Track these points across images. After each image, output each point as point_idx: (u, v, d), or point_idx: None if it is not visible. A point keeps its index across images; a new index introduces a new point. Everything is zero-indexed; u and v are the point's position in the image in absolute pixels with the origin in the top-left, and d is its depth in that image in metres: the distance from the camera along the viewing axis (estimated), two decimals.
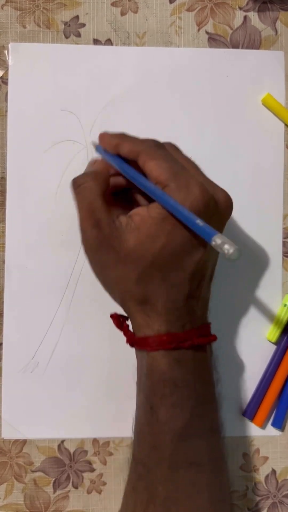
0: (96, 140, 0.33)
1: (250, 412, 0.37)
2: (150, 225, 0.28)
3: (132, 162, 0.30)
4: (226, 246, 0.24)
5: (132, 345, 0.31)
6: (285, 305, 0.38)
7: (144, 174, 0.29)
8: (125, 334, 0.31)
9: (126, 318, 0.31)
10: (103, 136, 0.32)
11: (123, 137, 0.31)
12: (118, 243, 0.28)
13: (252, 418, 0.37)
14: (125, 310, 0.31)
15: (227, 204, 0.30)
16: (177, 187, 0.27)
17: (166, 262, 0.28)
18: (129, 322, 0.31)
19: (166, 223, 0.28)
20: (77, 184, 0.30)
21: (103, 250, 0.29)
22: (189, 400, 0.29)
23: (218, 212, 0.29)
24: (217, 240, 0.25)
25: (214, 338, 0.30)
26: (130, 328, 0.31)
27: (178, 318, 0.29)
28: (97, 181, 0.30)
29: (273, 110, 0.38)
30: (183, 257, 0.28)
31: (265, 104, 0.38)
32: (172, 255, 0.28)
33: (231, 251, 0.24)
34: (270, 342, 0.38)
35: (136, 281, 0.28)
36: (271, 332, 0.38)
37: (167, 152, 0.30)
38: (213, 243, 0.25)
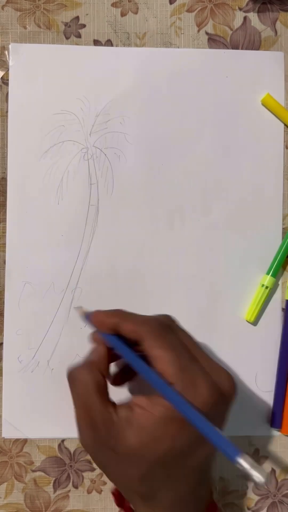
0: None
1: (277, 422, 0.37)
2: (154, 426, 0.26)
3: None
4: (255, 473, 0.22)
5: None
6: (262, 285, 0.38)
7: (145, 357, 0.28)
8: None
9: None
10: (97, 315, 0.30)
11: (121, 315, 0.29)
12: (115, 443, 0.26)
13: (280, 428, 0.37)
14: (129, 501, 0.30)
15: (232, 389, 0.28)
16: (184, 386, 0.26)
17: (171, 462, 0.27)
18: None
19: (172, 425, 0.26)
20: (72, 378, 0.29)
21: (100, 451, 0.28)
22: None
23: (225, 401, 0.28)
24: (243, 463, 0.23)
25: None
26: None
27: (184, 508, 0.28)
28: (93, 374, 0.28)
29: (272, 110, 0.38)
30: (189, 456, 0.27)
31: (264, 104, 0.38)
32: (177, 456, 0.26)
33: (260, 479, 0.22)
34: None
35: (139, 479, 0.27)
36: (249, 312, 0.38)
37: (173, 336, 0.28)
38: (239, 466, 0.23)
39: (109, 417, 0.27)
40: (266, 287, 0.37)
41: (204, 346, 0.37)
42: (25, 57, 0.38)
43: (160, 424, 0.26)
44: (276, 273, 0.38)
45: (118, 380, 0.33)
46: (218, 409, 0.27)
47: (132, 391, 0.35)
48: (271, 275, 0.38)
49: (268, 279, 0.37)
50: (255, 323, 0.38)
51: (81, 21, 0.38)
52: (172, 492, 0.27)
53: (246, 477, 0.22)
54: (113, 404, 0.28)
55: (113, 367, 0.33)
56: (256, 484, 0.22)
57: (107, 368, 0.30)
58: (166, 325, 0.29)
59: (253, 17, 0.39)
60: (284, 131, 0.39)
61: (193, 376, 0.26)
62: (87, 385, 0.28)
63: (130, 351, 0.28)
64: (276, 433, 0.38)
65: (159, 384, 0.26)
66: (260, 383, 0.38)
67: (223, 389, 0.27)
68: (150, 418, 0.26)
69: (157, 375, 0.27)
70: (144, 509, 0.28)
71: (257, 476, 0.22)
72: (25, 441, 0.37)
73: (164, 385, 0.26)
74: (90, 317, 0.31)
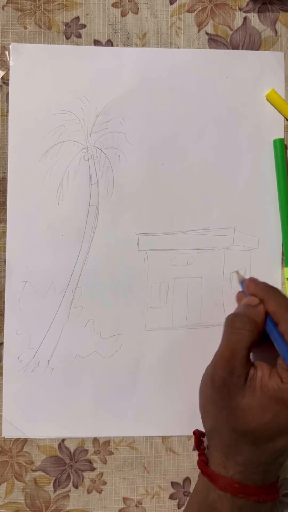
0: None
1: None
2: (264, 396, 0.29)
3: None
4: None
5: (202, 470, 0.32)
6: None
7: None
8: (199, 455, 0.33)
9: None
10: (249, 284, 0.33)
11: (268, 292, 0.32)
12: (235, 395, 0.30)
13: None
14: (208, 440, 0.32)
15: None
16: None
17: (263, 434, 0.29)
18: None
19: (279, 403, 0.29)
20: (234, 326, 0.31)
21: (220, 392, 0.30)
22: None
23: None
24: None
25: (278, 495, 0.32)
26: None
27: (253, 474, 0.30)
28: (252, 333, 0.31)
29: (277, 106, 0.38)
30: (280, 436, 0.29)
31: (269, 99, 0.38)
32: (271, 431, 0.29)
33: None
34: None
35: (229, 432, 0.30)
36: None
37: None
38: None
39: (246, 370, 0.30)
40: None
41: None
42: (25, 57, 0.38)
43: (269, 397, 0.29)
44: None
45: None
46: None
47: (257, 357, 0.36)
48: None
49: None
50: None
51: (82, 21, 0.38)
52: (249, 455, 0.30)
53: None
54: (251, 363, 0.31)
55: None
56: None
57: (261, 333, 0.31)
58: None
59: (253, 17, 0.39)
60: (285, 131, 0.39)
61: None
62: (245, 339, 0.30)
63: (271, 323, 0.31)
64: None
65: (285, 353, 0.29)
66: None
67: None
68: (264, 387, 0.29)
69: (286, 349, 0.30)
70: (219, 454, 0.31)
71: None
72: (25, 440, 0.37)
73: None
74: (245, 285, 0.34)
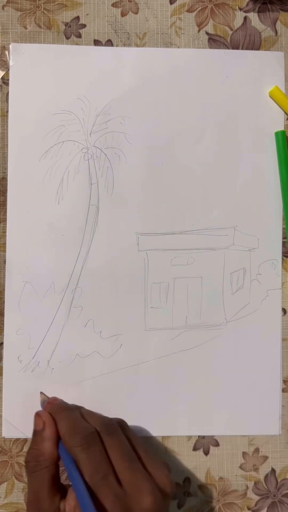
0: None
1: None
2: None
3: None
4: None
5: None
6: None
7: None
8: None
9: None
10: (46, 406, 0.34)
11: (59, 411, 0.32)
12: None
13: None
14: None
15: (170, 489, 0.29)
16: (130, 491, 0.28)
17: None
18: None
19: None
20: (30, 470, 0.31)
21: None
22: None
23: (166, 503, 0.29)
24: None
25: None
26: None
27: None
28: (47, 468, 0.30)
29: (280, 103, 0.38)
30: None
31: (272, 96, 0.38)
32: None
33: None
34: None
35: None
36: None
37: (96, 452, 0.29)
38: None
39: (52, 509, 0.29)
40: None
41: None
42: (25, 57, 0.38)
43: None
44: None
45: None
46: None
47: None
48: None
49: None
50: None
51: (82, 21, 0.38)
52: None
53: None
54: (62, 493, 0.30)
55: None
56: None
57: (58, 456, 0.31)
58: (93, 435, 0.30)
59: (253, 17, 0.39)
60: (285, 130, 0.39)
61: (138, 480, 0.28)
62: (43, 477, 0.30)
63: (66, 456, 0.30)
64: (276, 433, 0.38)
65: (76, 483, 0.28)
66: (261, 383, 0.38)
67: (164, 491, 0.29)
68: None
69: (77, 478, 0.28)
70: None
71: None
72: (25, 440, 0.37)
73: (78, 484, 0.28)
74: (44, 406, 0.34)
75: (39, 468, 0.30)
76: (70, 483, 0.29)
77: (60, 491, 0.30)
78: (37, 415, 0.32)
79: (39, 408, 0.37)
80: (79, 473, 0.28)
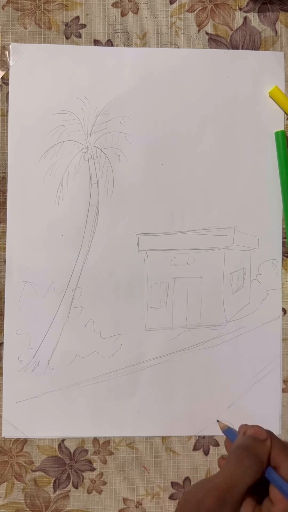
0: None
1: None
2: None
3: None
4: None
5: None
6: None
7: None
8: None
9: None
10: (246, 426, 0.32)
11: (269, 432, 0.31)
12: None
13: None
14: None
15: None
16: None
17: None
18: None
19: None
20: (241, 462, 0.29)
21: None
22: None
23: None
24: None
25: None
26: None
27: None
28: (257, 474, 0.29)
29: (279, 102, 0.38)
30: None
31: (272, 96, 0.38)
32: None
33: None
34: None
35: None
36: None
37: None
38: None
39: (236, 510, 0.28)
40: None
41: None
42: (25, 57, 0.38)
43: None
44: None
45: None
46: None
47: None
48: None
49: None
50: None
51: (82, 21, 0.38)
52: None
53: None
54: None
55: None
56: None
57: (264, 470, 0.30)
58: None
59: (253, 17, 0.39)
60: (285, 130, 0.39)
61: None
62: (248, 476, 0.28)
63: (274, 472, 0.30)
64: (276, 433, 0.38)
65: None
66: (261, 383, 0.38)
67: None
68: None
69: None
70: None
71: None
72: (25, 440, 0.37)
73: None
74: (241, 427, 0.32)
75: (251, 467, 0.29)
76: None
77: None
78: (259, 427, 0.31)
79: (39, 409, 0.37)
80: None
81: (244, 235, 0.39)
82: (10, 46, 0.38)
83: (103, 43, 0.38)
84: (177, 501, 0.38)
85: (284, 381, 0.38)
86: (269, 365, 0.38)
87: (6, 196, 0.38)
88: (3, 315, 0.37)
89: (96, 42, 0.38)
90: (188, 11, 0.39)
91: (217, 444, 0.38)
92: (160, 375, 0.38)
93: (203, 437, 0.38)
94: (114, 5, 0.38)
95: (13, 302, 0.37)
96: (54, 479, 0.37)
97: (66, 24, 0.38)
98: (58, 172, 0.38)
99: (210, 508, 0.28)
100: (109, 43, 0.38)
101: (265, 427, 0.38)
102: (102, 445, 0.37)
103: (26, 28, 0.38)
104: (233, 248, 0.38)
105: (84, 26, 0.38)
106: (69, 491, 0.37)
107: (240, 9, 0.39)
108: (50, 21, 0.38)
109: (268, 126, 0.39)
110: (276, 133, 0.38)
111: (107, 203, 0.38)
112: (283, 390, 0.38)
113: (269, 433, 0.30)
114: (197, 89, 0.39)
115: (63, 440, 0.37)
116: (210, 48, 0.39)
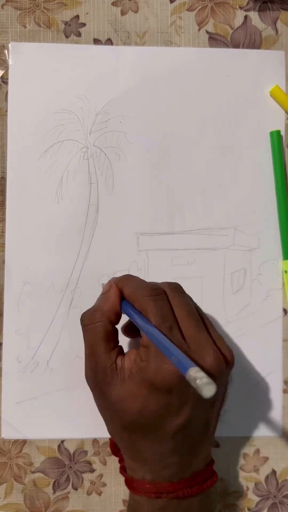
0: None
1: None
2: (132, 383, 0.28)
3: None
4: (198, 382, 0.22)
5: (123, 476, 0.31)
6: (286, 271, 0.38)
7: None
8: (119, 462, 0.32)
9: None
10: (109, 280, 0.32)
11: (123, 278, 0.31)
12: (108, 390, 0.28)
13: None
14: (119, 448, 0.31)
15: (232, 360, 0.29)
16: (193, 350, 0.27)
17: (145, 424, 0.28)
18: None
19: (144, 385, 0.27)
20: (84, 323, 0.30)
21: (96, 393, 0.30)
22: None
23: (227, 371, 0.29)
24: (191, 373, 0.23)
25: (208, 486, 0.29)
26: None
27: (164, 469, 0.28)
28: (104, 322, 0.30)
29: (280, 102, 0.38)
30: (161, 421, 0.28)
31: (272, 95, 0.38)
32: (149, 419, 0.28)
33: (207, 394, 0.22)
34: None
35: (122, 428, 0.29)
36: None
37: (163, 304, 0.29)
38: (187, 376, 0.23)
39: (109, 364, 0.29)
40: (286, 272, 0.38)
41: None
42: (25, 56, 0.38)
43: (135, 382, 0.27)
44: None
45: (127, 330, 0.34)
46: (223, 378, 0.28)
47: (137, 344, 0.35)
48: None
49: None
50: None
51: (81, 20, 0.38)
52: (150, 450, 0.28)
53: (197, 390, 0.22)
54: (120, 351, 0.30)
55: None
56: (200, 394, 0.22)
57: (117, 316, 0.30)
58: (161, 290, 0.30)
59: (253, 16, 0.39)
60: (286, 130, 0.39)
61: (202, 338, 0.28)
62: (97, 331, 0.29)
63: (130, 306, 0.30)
64: (277, 434, 0.38)
65: (141, 324, 0.28)
66: (261, 384, 0.38)
67: (226, 357, 0.28)
68: (132, 371, 0.28)
69: (144, 321, 0.28)
70: (126, 456, 0.30)
71: (205, 391, 0.22)
72: (24, 441, 0.37)
73: (144, 324, 0.28)
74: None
75: (92, 321, 0.30)
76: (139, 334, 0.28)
77: (117, 348, 0.30)
78: (107, 282, 0.32)
79: (38, 410, 0.37)
80: (147, 321, 0.28)
81: (245, 235, 0.38)
82: (10, 45, 0.38)
83: (103, 42, 0.38)
84: None
85: (285, 382, 0.38)
86: (270, 366, 0.38)
87: (5, 195, 0.38)
88: (2, 315, 0.37)
89: (96, 41, 0.38)
90: (188, 10, 0.39)
91: (217, 445, 0.38)
92: None
93: None
94: (114, 4, 0.38)
95: (12, 302, 0.37)
96: (53, 480, 0.37)
97: (66, 23, 0.38)
98: (58, 172, 0.38)
99: (91, 379, 0.30)
100: (109, 42, 0.38)
101: (266, 428, 0.38)
102: (102, 446, 0.37)
103: (25, 27, 0.38)
104: (233, 248, 0.38)
105: (83, 25, 0.38)
106: (69, 492, 0.37)
107: (241, 8, 0.39)
108: (50, 20, 0.38)
109: (268, 125, 0.39)
110: (271, 133, 0.38)
111: (107, 203, 0.38)
112: (284, 391, 0.38)
113: (122, 278, 0.31)
114: (197, 88, 0.38)
115: (62, 441, 0.37)
116: (210, 47, 0.39)
